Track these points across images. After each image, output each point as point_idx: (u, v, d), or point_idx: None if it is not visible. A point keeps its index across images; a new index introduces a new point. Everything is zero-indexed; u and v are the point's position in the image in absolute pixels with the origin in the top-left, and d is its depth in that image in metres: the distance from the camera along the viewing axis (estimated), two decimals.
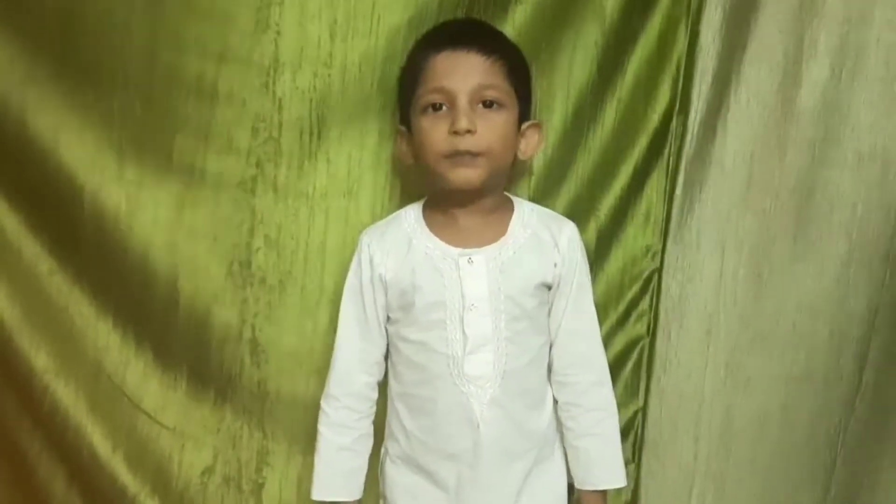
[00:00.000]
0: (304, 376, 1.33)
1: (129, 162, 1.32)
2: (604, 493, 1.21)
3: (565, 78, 1.32)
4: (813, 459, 1.32)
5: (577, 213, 1.32)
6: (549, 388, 1.22)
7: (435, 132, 1.13)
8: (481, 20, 1.26)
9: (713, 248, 1.31)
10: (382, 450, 1.24)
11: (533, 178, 1.33)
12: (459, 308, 1.15)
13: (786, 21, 1.26)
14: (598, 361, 1.22)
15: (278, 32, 1.26)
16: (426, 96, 1.14)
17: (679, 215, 1.33)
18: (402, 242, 1.19)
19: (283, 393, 1.34)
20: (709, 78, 1.30)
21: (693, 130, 1.32)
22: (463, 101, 1.12)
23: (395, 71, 1.26)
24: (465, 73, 1.13)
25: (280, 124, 1.28)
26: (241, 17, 1.26)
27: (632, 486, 1.35)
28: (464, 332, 1.15)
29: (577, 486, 1.21)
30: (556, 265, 1.18)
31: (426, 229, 1.19)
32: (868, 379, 1.31)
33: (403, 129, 1.21)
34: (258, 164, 1.29)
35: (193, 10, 1.27)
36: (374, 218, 1.29)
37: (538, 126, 1.22)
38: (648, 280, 1.37)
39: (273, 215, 1.31)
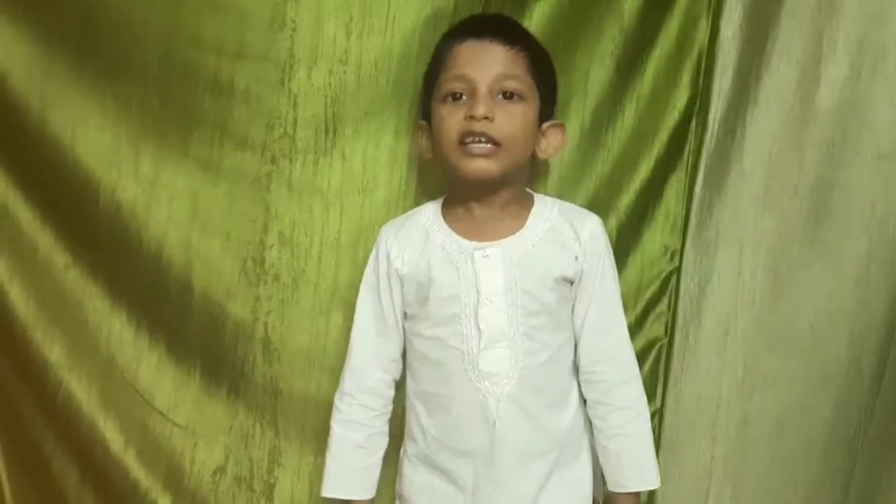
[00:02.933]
0: (317, 375, 1.38)
1: (145, 157, 1.38)
2: (637, 494, 1.22)
3: (584, 76, 1.38)
4: (832, 462, 1.35)
5: (597, 212, 1.34)
6: (574, 386, 1.24)
7: (451, 119, 1.18)
8: (506, 15, 1.31)
9: (731, 248, 1.35)
10: (401, 450, 1.28)
11: (552, 177, 1.38)
12: (474, 302, 1.19)
13: (805, 19, 1.31)
14: (626, 358, 1.24)
15: (294, 29, 1.32)
16: (447, 84, 1.19)
17: (698, 215, 1.37)
18: (420, 236, 1.24)
19: (296, 391, 1.39)
20: (729, 76, 1.35)
21: (713, 129, 1.36)
22: (483, 89, 1.17)
23: (410, 68, 1.32)
24: (486, 61, 1.18)
25: (295, 121, 1.34)
26: (257, 14, 1.33)
27: None
28: (478, 327, 1.18)
29: (609, 488, 1.23)
30: (576, 259, 1.21)
31: (443, 223, 1.24)
32: (888, 382, 1.34)
33: (424, 123, 1.26)
34: (273, 161, 1.36)
35: (211, 7, 1.33)
36: (389, 215, 1.34)
37: (561, 126, 1.26)
38: (667, 280, 1.41)
39: (287, 212, 1.37)
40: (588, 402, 1.24)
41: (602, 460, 1.23)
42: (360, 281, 1.29)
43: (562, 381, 1.23)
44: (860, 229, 1.32)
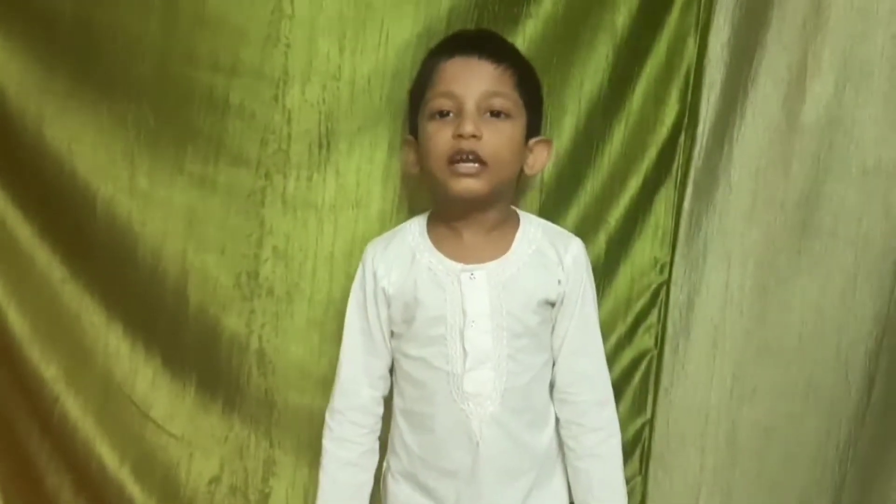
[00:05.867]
0: (311, 387, 1.40)
1: (141, 172, 1.40)
2: None
3: (576, 92, 1.40)
4: (822, 474, 1.38)
5: (587, 226, 1.40)
6: (551, 406, 1.26)
7: (439, 136, 1.18)
8: (493, 31, 1.33)
9: (720, 261, 1.38)
10: (384, 464, 1.29)
11: (542, 191, 1.41)
12: (460, 324, 1.20)
13: (791, 37, 1.33)
14: (602, 381, 1.26)
15: (288, 46, 1.34)
16: (434, 101, 1.20)
17: (687, 228, 1.40)
18: (406, 256, 1.24)
19: (291, 403, 1.41)
20: (717, 92, 1.38)
21: (701, 144, 1.39)
22: (470, 106, 1.17)
23: (403, 84, 1.34)
24: (473, 79, 1.19)
25: (289, 136, 1.36)
26: (252, 31, 1.34)
27: (639, 498, 1.41)
28: (464, 348, 1.20)
29: None
30: (559, 282, 1.23)
31: (429, 243, 1.24)
32: (877, 395, 1.36)
33: (411, 138, 1.27)
34: (267, 176, 1.37)
35: (206, 24, 1.35)
36: (383, 230, 1.35)
37: (548, 142, 1.27)
38: (656, 293, 1.44)
39: (282, 226, 1.38)
40: (561, 422, 1.25)
41: (571, 479, 1.25)
42: None
43: (541, 401, 1.25)
44: (846, 242, 1.34)
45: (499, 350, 1.20)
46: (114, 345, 1.45)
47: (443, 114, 1.20)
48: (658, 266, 1.44)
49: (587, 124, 1.42)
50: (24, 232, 1.44)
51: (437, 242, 1.25)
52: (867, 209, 1.34)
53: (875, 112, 1.32)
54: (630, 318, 1.45)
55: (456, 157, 1.17)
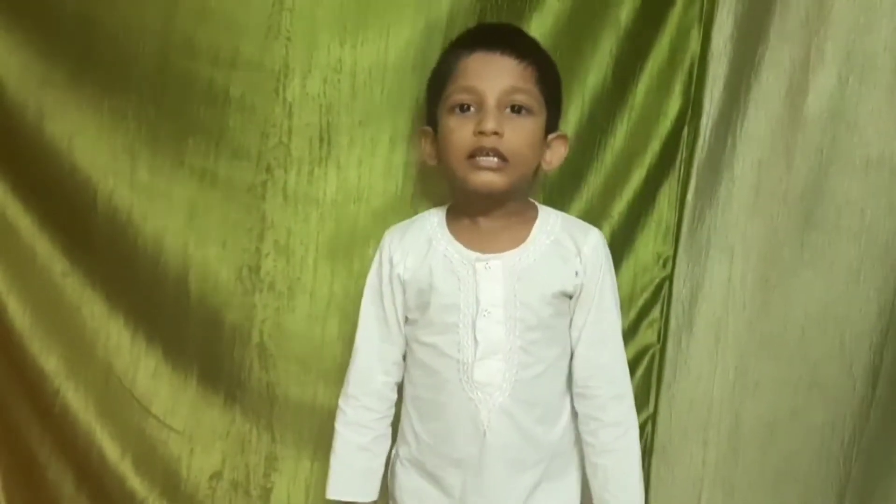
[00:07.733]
0: (313, 381, 1.41)
1: (142, 165, 1.41)
2: None
3: (580, 85, 1.40)
4: (825, 468, 1.37)
5: (590, 220, 1.36)
6: (567, 400, 1.25)
7: (460, 132, 1.18)
8: (516, 26, 1.32)
9: (722, 255, 1.38)
10: (393, 451, 1.29)
11: (546, 184, 1.40)
12: (473, 313, 1.20)
13: (793, 30, 1.33)
14: (620, 374, 1.25)
15: (289, 39, 1.35)
16: (455, 95, 1.19)
17: (690, 221, 1.40)
18: (422, 243, 1.25)
19: (292, 397, 1.42)
20: (720, 85, 1.38)
21: (704, 137, 1.39)
22: (491, 102, 1.17)
23: (405, 77, 1.35)
24: (496, 74, 1.18)
25: (290, 130, 1.37)
26: (252, 24, 1.35)
27: None
28: (475, 337, 1.20)
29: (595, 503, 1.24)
30: (577, 274, 1.22)
31: (447, 232, 1.25)
32: (882, 389, 1.36)
33: (429, 129, 1.26)
34: (268, 170, 1.38)
35: (206, 17, 1.36)
36: (385, 224, 1.34)
37: (565, 138, 1.27)
38: (659, 287, 1.44)
39: (283, 220, 1.39)
40: (579, 416, 1.24)
41: (589, 475, 1.24)
42: (355, 289, 1.32)
43: (556, 395, 1.24)
44: (849, 235, 1.34)
45: (511, 341, 1.20)
46: (115, 338, 1.46)
47: (463, 108, 1.19)
48: (661, 260, 1.44)
49: (591, 118, 1.42)
50: (24, 224, 1.45)
51: (455, 231, 1.25)
52: (870, 202, 1.33)
53: (878, 104, 1.32)
54: (633, 313, 1.44)
55: (476, 153, 1.18)
